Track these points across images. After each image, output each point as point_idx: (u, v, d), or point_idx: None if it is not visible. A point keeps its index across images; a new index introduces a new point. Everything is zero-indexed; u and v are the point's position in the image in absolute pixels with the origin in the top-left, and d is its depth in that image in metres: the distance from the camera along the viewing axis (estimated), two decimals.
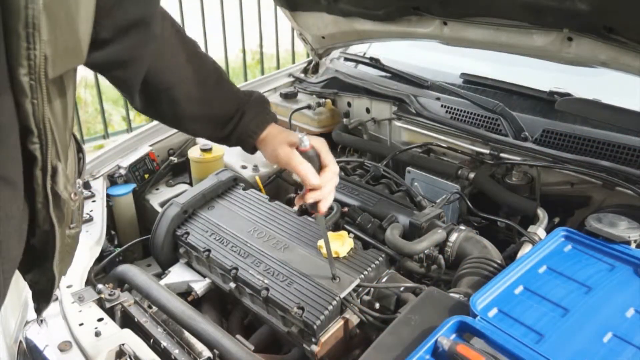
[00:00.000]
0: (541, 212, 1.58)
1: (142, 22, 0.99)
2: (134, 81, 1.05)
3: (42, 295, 1.01)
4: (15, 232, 0.84)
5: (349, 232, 1.55)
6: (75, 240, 0.98)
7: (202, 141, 2.15)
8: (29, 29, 0.70)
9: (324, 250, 1.44)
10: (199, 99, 1.14)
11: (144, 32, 1.00)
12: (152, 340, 1.29)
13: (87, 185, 1.86)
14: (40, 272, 0.96)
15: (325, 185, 1.13)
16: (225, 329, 1.38)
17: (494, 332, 1.00)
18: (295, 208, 1.72)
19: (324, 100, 2.39)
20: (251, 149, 1.21)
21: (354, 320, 1.35)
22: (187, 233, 1.64)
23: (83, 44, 0.83)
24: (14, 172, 0.79)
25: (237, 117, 1.16)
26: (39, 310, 1.05)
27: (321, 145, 1.14)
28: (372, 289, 1.39)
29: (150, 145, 2.10)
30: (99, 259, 1.65)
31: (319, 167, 1.13)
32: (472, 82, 2.19)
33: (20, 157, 0.78)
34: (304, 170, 1.09)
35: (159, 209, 1.83)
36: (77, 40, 0.81)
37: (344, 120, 2.37)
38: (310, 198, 1.13)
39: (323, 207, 1.17)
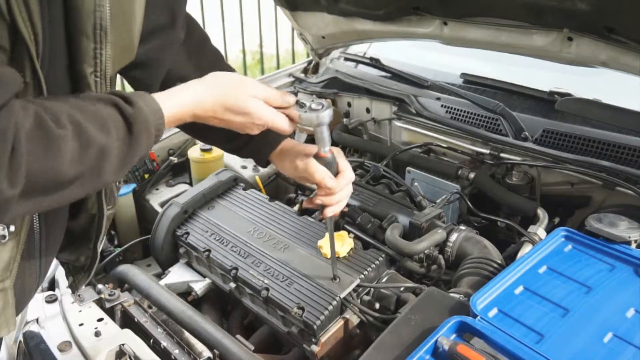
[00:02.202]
0: (541, 212, 1.58)
1: (167, 26, 1.06)
2: (152, 81, 1.07)
3: (80, 271, 1.10)
4: (61, 221, 0.97)
5: (349, 232, 1.55)
6: (110, 220, 1.06)
7: None
8: (97, 30, 0.78)
9: (324, 250, 1.44)
10: None
11: (167, 36, 1.06)
12: (152, 341, 1.29)
13: None
14: (80, 251, 1.05)
15: (339, 190, 1.12)
16: (225, 329, 1.38)
17: (494, 332, 1.00)
18: (296, 208, 1.72)
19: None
20: (264, 162, 1.21)
21: (354, 320, 1.35)
22: (187, 233, 1.64)
23: (135, 43, 0.92)
24: None
25: None
26: (75, 285, 1.13)
27: (338, 152, 1.14)
28: (372, 289, 1.39)
29: None
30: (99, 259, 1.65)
31: (336, 173, 1.12)
32: (472, 82, 2.19)
33: None
34: (320, 175, 1.08)
35: (159, 209, 1.83)
36: (131, 40, 0.90)
37: (344, 120, 2.37)
38: (319, 199, 1.13)
39: (329, 212, 1.16)
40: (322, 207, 1.15)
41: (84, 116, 0.74)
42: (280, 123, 1.00)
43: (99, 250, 1.07)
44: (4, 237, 0.80)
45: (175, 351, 1.24)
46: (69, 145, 0.70)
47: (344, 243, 1.45)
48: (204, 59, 1.20)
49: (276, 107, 0.99)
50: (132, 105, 0.80)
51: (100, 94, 0.82)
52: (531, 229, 1.51)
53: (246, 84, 0.97)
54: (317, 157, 1.09)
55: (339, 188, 1.12)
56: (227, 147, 1.23)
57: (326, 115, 1.00)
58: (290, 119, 1.02)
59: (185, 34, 1.14)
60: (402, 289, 1.38)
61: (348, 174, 1.13)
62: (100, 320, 1.32)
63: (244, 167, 2.09)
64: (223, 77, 0.97)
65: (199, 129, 1.06)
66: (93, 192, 0.90)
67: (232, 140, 1.16)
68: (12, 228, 0.81)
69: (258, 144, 1.17)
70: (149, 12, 0.93)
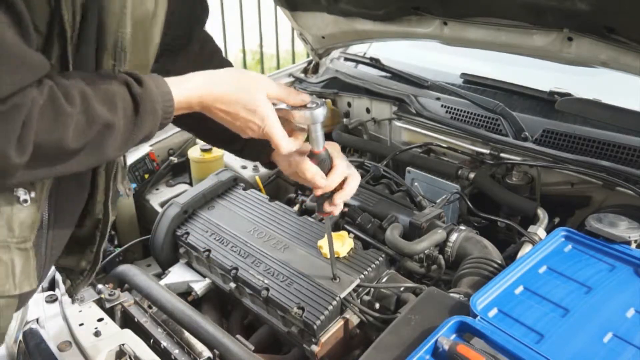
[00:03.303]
0: (541, 212, 1.58)
1: (183, 43, 1.13)
2: None
3: (79, 276, 1.13)
4: (68, 230, 1.01)
5: (349, 232, 1.55)
6: (111, 226, 1.11)
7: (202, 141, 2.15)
8: (117, 48, 0.84)
9: (323, 250, 1.44)
10: None
11: (181, 50, 1.12)
12: (152, 341, 1.29)
13: None
14: (81, 256, 1.10)
15: (333, 186, 1.12)
16: (226, 329, 1.38)
17: (494, 332, 1.00)
18: (296, 208, 1.72)
19: (324, 100, 2.38)
20: (268, 163, 1.22)
21: (354, 320, 1.35)
22: (187, 233, 1.64)
23: (151, 61, 0.97)
24: (86, 173, 0.95)
25: None
26: (73, 290, 1.16)
27: (332, 148, 1.14)
28: (372, 289, 1.39)
29: (150, 145, 2.10)
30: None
31: (330, 168, 1.12)
32: (472, 82, 2.19)
33: None
34: (310, 173, 1.08)
35: (159, 209, 1.83)
36: (147, 60, 0.96)
37: (344, 120, 2.37)
38: (320, 191, 1.13)
39: (330, 207, 1.16)
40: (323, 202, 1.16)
41: (94, 92, 0.77)
42: (278, 135, 0.97)
43: (101, 255, 1.10)
44: (25, 200, 0.88)
45: (175, 351, 1.25)
46: (75, 119, 0.75)
47: (344, 243, 1.45)
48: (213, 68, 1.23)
49: (292, 105, 1.00)
50: (141, 85, 0.83)
51: (115, 73, 0.85)
52: (531, 229, 1.51)
53: (261, 79, 0.97)
54: (311, 154, 1.09)
55: (331, 185, 1.12)
56: (230, 147, 1.24)
57: (319, 113, 1.00)
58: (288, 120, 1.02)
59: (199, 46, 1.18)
60: (402, 289, 1.38)
61: (341, 169, 1.12)
62: (100, 320, 1.33)
63: (244, 167, 2.09)
64: (239, 71, 0.97)
65: (203, 127, 1.06)
66: (94, 165, 0.93)
67: (235, 140, 1.15)
68: (32, 194, 0.88)
69: (258, 143, 1.16)
70: (169, 32, 0.96)
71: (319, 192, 1.13)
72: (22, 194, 0.87)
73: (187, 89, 0.90)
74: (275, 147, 0.98)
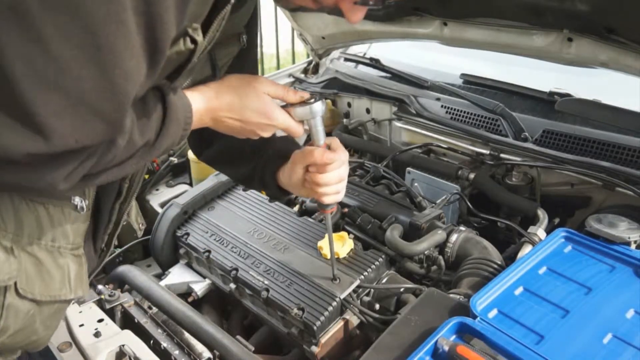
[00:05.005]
0: (541, 213, 1.58)
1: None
2: None
3: None
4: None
5: (349, 232, 1.55)
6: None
7: None
8: None
9: (324, 251, 1.44)
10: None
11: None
12: (152, 341, 1.29)
13: None
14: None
15: (333, 162, 1.08)
16: (226, 329, 1.38)
17: (494, 333, 1.00)
18: (296, 209, 1.72)
19: (321, 95, 2.39)
20: (276, 189, 1.19)
21: (354, 321, 1.35)
22: (187, 234, 1.64)
23: None
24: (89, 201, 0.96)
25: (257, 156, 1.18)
26: None
27: (333, 141, 1.12)
28: (372, 290, 1.39)
29: None
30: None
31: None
32: (472, 83, 2.18)
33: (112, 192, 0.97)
34: (319, 154, 1.05)
35: (159, 210, 1.84)
36: None
37: (344, 120, 2.37)
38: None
39: (328, 199, 1.13)
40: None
41: (136, 116, 0.77)
42: (292, 124, 1.01)
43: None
44: (82, 208, 0.90)
45: (176, 352, 1.25)
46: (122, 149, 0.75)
47: (344, 244, 1.45)
48: None
49: (291, 102, 1.01)
50: (164, 98, 0.83)
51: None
52: (531, 229, 1.51)
53: (259, 81, 0.98)
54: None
55: (333, 162, 1.08)
56: (236, 172, 1.26)
57: (318, 106, 1.02)
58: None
59: None
60: (402, 289, 1.37)
61: (342, 155, 1.10)
62: (100, 321, 1.33)
63: None
64: (237, 78, 0.98)
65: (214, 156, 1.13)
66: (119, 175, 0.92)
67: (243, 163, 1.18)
68: (86, 202, 0.91)
69: (264, 167, 1.17)
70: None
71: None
72: (78, 201, 0.89)
73: (200, 100, 0.91)
74: (292, 133, 1.02)
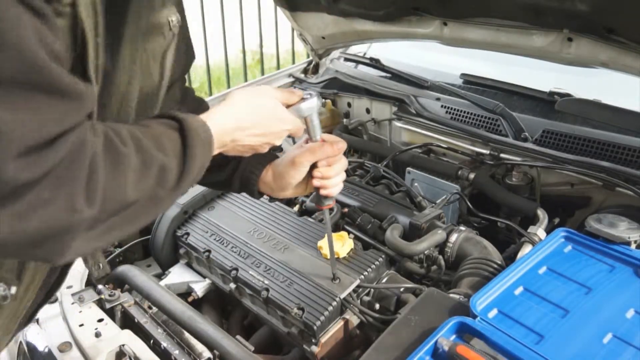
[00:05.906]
0: (541, 213, 1.58)
1: (178, 99, 1.10)
2: None
3: None
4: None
5: (349, 232, 1.55)
6: None
7: None
8: (122, 106, 0.81)
9: (324, 251, 1.44)
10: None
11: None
12: (152, 341, 1.29)
13: None
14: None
15: (333, 148, 1.08)
16: (226, 329, 1.38)
17: (494, 333, 1.00)
18: (296, 208, 1.72)
19: (324, 100, 2.39)
20: (256, 192, 1.14)
21: (354, 321, 1.35)
22: (187, 234, 1.64)
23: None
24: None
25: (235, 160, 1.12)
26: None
27: (329, 137, 1.11)
28: (372, 290, 1.39)
29: None
30: None
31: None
32: (472, 83, 2.19)
33: None
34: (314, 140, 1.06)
35: None
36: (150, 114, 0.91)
37: (344, 120, 2.37)
38: (317, 181, 1.09)
39: (335, 190, 1.12)
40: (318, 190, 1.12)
41: (142, 133, 0.72)
42: (299, 124, 1.02)
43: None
44: (5, 297, 0.76)
45: (176, 352, 1.25)
46: (133, 163, 0.68)
47: (344, 244, 1.45)
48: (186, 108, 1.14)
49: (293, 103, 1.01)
50: (178, 121, 0.79)
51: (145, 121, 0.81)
52: (531, 229, 1.51)
53: (264, 89, 0.97)
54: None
55: (333, 149, 1.08)
56: (216, 177, 1.15)
57: (314, 102, 1.02)
58: None
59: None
60: (402, 289, 1.38)
61: (341, 144, 1.10)
62: (100, 320, 1.32)
63: None
64: (239, 92, 0.95)
65: None
66: (155, 215, 0.80)
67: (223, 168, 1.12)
68: (12, 290, 0.77)
69: (246, 169, 1.12)
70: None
71: (317, 182, 1.10)
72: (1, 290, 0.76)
73: (218, 122, 0.86)
74: (297, 133, 1.02)
